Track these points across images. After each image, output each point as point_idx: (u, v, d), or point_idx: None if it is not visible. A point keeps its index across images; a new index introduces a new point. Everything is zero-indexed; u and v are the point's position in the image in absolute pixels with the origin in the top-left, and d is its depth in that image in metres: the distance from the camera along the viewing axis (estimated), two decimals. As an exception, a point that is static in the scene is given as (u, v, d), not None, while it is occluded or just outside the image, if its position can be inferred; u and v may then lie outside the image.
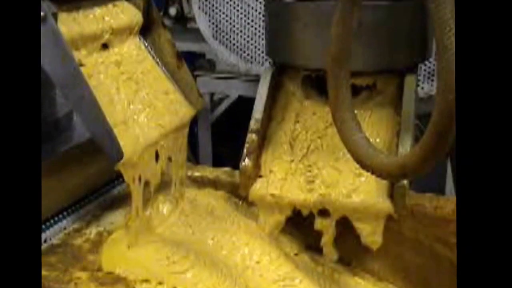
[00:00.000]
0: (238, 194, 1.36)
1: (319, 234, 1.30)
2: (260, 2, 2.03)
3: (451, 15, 0.77)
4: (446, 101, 0.79)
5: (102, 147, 1.08)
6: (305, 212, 1.26)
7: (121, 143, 1.09)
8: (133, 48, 1.26)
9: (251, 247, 1.24)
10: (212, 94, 2.95)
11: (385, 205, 1.20)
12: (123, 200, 1.31)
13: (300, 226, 1.32)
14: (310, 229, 1.30)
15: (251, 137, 1.30)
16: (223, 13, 2.10)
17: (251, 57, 2.11)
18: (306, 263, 1.28)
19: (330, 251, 1.28)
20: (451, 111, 0.79)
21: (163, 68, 1.31)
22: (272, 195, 1.27)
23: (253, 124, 1.31)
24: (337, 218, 1.24)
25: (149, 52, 1.30)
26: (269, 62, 1.41)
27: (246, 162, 1.28)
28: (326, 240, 1.27)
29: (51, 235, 1.22)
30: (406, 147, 1.19)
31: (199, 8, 2.13)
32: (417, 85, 1.81)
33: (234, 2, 2.08)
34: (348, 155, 1.09)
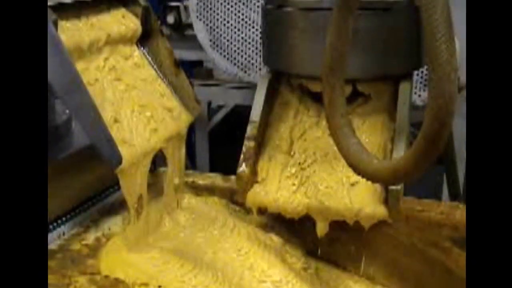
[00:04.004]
0: (235, 200, 1.38)
1: (316, 240, 1.32)
2: (257, 11, 2.04)
3: (442, 22, 0.79)
4: (437, 106, 0.81)
5: (101, 153, 1.09)
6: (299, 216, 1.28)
7: (120, 149, 1.11)
8: (131, 56, 1.28)
9: (248, 252, 1.25)
10: (209, 102, 2.96)
11: (379, 210, 1.22)
12: (121, 206, 1.32)
13: (297, 231, 1.34)
14: (307, 234, 1.32)
15: (248, 143, 1.31)
16: (221, 21, 2.12)
17: (249, 66, 2.12)
18: (302, 267, 1.29)
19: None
20: (442, 116, 0.81)
21: (161, 75, 1.32)
22: (268, 198, 1.28)
23: (250, 131, 1.33)
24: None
25: (148, 59, 1.31)
26: (266, 70, 1.42)
27: (243, 168, 1.30)
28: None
29: (50, 240, 1.23)
30: (400, 152, 1.21)
31: (197, 16, 2.14)
32: (414, 93, 1.83)
33: (232, 11, 2.09)
34: (344, 162, 1.10)
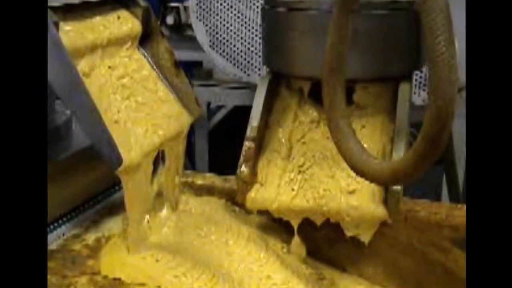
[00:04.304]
0: (235, 201, 1.38)
1: (316, 241, 1.32)
2: (257, 11, 2.05)
3: (442, 23, 0.79)
4: (437, 107, 0.81)
5: (101, 154, 1.09)
6: (299, 218, 1.28)
7: (120, 150, 1.11)
8: (131, 57, 1.28)
9: (248, 253, 1.25)
10: (209, 103, 2.97)
11: (379, 211, 1.22)
12: (122, 206, 1.32)
13: (297, 232, 1.34)
14: (307, 236, 1.32)
15: (248, 144, 1.31)
16: (220, 22, 2.12)
17: (248, 66, 2.13)
18: (302, 268, 1.29)
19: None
20: (442, 117, 0.81)
21: (161, 76, 1.32)
22: (268, 202, 1.28)
23: (249, 132, 1.33)
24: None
25: (148, 60, 1.32)
26: (266, 71, 1.43)
27: (243, 169, 1.30)
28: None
29: (50, 241, 1.23)
30: (399, 153, 1.21)
31: (196, 17, 2.14)
32: (414, 93, 1.84)
33: (231, 11, 2.10)
34: (343, 164, 1.10)
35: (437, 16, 0.79)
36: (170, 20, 2.86)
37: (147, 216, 1.26)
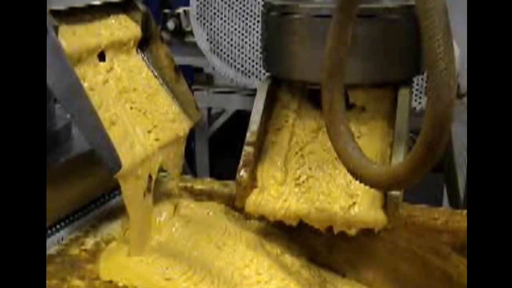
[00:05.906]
0: (235, 206, 1.38)
1: (316, 246, 1.32)
2: (258, 16, 2.05)
3: (441, 27, 0.79)
4: (435, 113, 0.81)
5: (101, 158, 1.10)
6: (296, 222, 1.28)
7: (120, 154, 1.11)
8: (131, 61, 1.28)
9: (249, 259, 1.25)
10: (209, 108, 2.97)
11: (379, 217, 1.22)
12: (121, 210, 1.32)
13: (297, 238, 1.34)
14: (307, 241, 1.32)
15: (247, 149, 1.31)
16: (221, 27, 2.12)
17: (249, 72, 2.13)
18: (302, 274, 1.29)
19: None
20: (440, 122, 0.81)
21: (161, 81, 1.33)
22: (267, 207, 1.28)
23: (249, 137, 1.33)
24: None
25: (147, 65, 1.32)
26: (265, 75, 1.43)
27: (242, 174, 1.30)
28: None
29: (49, 245, 1.23)
30: (399, 158, 1.21)
31: (197, 22, 2.15)
32: (414, 99, 1.84)
33: (232, 17, 2.10)
34: (343, 168, 1.10)
35: (436, 20, 0.79)
36: (171, 25, 2.86)
37: (147, 221, 1.26)
